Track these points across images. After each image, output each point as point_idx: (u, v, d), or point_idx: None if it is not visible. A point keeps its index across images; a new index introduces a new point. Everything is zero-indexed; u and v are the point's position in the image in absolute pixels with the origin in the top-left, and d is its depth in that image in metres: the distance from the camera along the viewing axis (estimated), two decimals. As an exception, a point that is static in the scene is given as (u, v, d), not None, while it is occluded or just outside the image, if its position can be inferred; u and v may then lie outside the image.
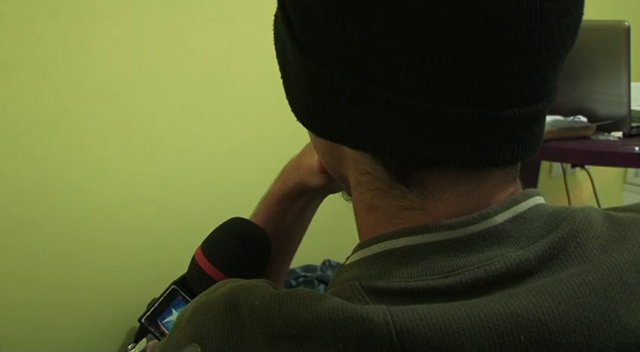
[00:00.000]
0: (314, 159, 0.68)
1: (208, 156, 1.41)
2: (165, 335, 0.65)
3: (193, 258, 0.66)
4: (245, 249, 0.66)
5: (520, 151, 0.41)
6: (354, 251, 0.45)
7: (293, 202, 0.73)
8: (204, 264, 0.64)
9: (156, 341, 0.66)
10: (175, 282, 0.66)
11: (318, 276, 1.50)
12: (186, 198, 1.39)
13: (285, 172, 0.74)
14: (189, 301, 0.65)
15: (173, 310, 0.66)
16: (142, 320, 0.66)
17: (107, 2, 1.22)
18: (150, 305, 0.67)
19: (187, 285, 0.66)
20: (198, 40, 1.34)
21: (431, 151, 0.40)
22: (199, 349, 0.40)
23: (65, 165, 1.22)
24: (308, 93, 0.43)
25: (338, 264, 1.57)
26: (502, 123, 0.40)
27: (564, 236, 0.41)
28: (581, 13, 0.41)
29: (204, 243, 0.67)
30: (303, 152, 0.71)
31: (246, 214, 0.78)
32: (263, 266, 0.68)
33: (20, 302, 1.22)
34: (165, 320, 0.66)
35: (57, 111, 1.19)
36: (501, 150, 0.40)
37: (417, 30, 0.37)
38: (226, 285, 0.44)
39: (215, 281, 0.63)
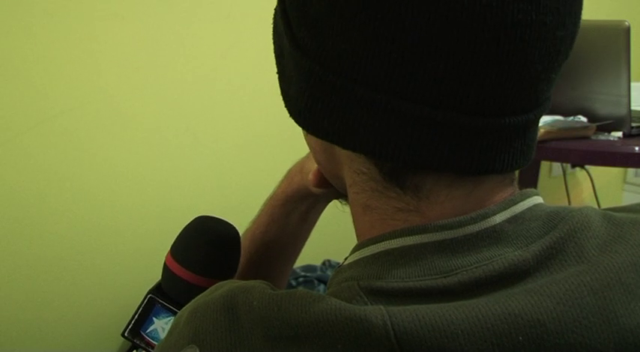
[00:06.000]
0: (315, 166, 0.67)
1: (209, 156, 1.41)
2: (151, 346, 0.65)
3: (165, 265, 0.66)
4: (214, 246, 0.65)
5: (512, 160, 0.41)
6: (352, 251, 0.45)
7: (296, 205, 0.73)
8: (177, 268, 0.64)
9: None
10: (151, 291, 0.66)
11: (318, 276, 1.50)
12: (187, 198, 1.39)
13: (289, 174, 0.73)
14: (168, 307, 0.65)
15: (154, 319, 0.65)
16: (125, 334, 0.66)
17: (107, 2, 1.22)
18: (130, 319, 0.66)
19: (163, 292, 0.66)
20: (198, 39, 1.34)
21: (421, 156, 0.40)
22: (197, 351, 0.40)
23: (65, 165, 1.22)
24: (301, 91, 0.42)
25: (338, 264, 1.57)
26: (494, 131, 0.40)
27: (562, 236, 0.41)
28: (578, 26, 0.41)
29: (172, 247, 0.66)
30: (308, 156, 0.71)
31: (248, 214, 0.78)
32: (236, 260, 0.67)
33: (20, 302, 1.22)
34: (148, 330, 0.65)
35: (57, 111, 1.19)
36: (494, 157, 0.41)
37: (412, 35, 0.37)
38: (224, 286, 0.44)
39: (191, 284, 0.63)
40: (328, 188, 0.59)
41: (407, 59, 0.37)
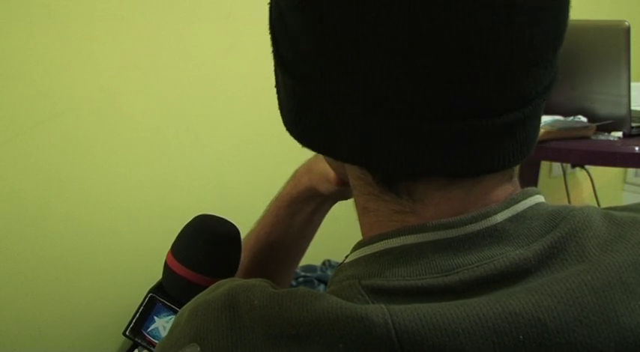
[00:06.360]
0: (326, 165, 0.67)
1: (209, 156, 1.41)
2: (152, 344, 0.65)
3: (166, 264, 0.66)
4: (214, 245, 0.66)
5: (504, 159, 0.41)
6: (353, 249, 0.45)
7: (302, 206, 0.73)
8: (178, 267, 0.64)
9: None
10: (152, 290, 0.66)
11: (318, 276, 1.50)
12: (187, 198, 1.39)
13: (296, 175, 0.74)
14: (169, 306, 0.65)
15: (155, 317, 0.66)
16: (127, 333, 0.66)
17: (107, 2, 1.22)
18: (132, 317, 0.66)
19: (164, 291, 0.66)
20: (198, 39, 1.34)
21: (409, 164, 0.40)
22: (199, 349, 0.40)
23: (65, 165, 1.22)
24: (290, 105, 0.44)
25: (338, 264, 1.56)
26: (478, 133, 0.40)
27: (564, 235, 0.41)
28: (561, 19, 0.41)
29: (173, 246, 0.67)
30: (316, 157, 0.71)
31: (248, 213, 0.79)
32: (236, 258, 0.67)
33: (20, 302, 1.22)
34: (149, 329, 0.66)
35: (57, 111, 1.19)
36: (483, 158, 0.40)
37: (384, 47, 0.37)
38: (225, 285, 0.44)
39: (191, 283, 0.63)
40: (348, 186, 0.61)
41: (380, 73, 0.38)
